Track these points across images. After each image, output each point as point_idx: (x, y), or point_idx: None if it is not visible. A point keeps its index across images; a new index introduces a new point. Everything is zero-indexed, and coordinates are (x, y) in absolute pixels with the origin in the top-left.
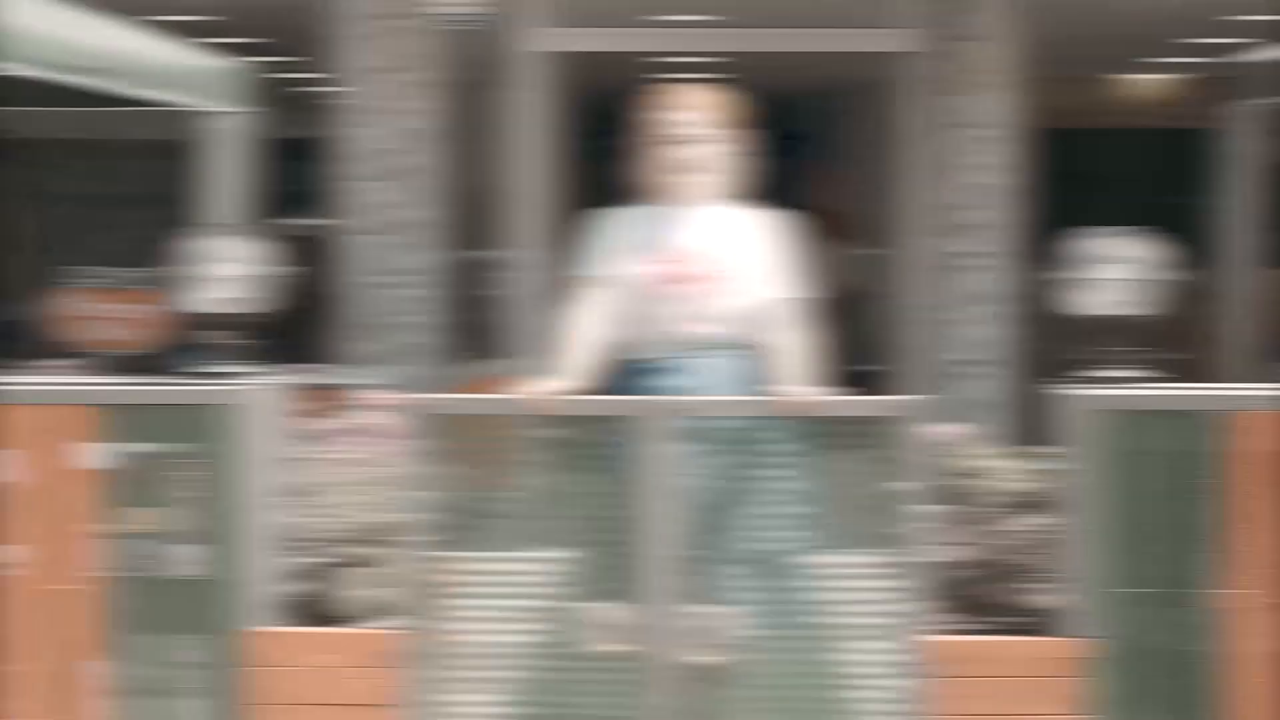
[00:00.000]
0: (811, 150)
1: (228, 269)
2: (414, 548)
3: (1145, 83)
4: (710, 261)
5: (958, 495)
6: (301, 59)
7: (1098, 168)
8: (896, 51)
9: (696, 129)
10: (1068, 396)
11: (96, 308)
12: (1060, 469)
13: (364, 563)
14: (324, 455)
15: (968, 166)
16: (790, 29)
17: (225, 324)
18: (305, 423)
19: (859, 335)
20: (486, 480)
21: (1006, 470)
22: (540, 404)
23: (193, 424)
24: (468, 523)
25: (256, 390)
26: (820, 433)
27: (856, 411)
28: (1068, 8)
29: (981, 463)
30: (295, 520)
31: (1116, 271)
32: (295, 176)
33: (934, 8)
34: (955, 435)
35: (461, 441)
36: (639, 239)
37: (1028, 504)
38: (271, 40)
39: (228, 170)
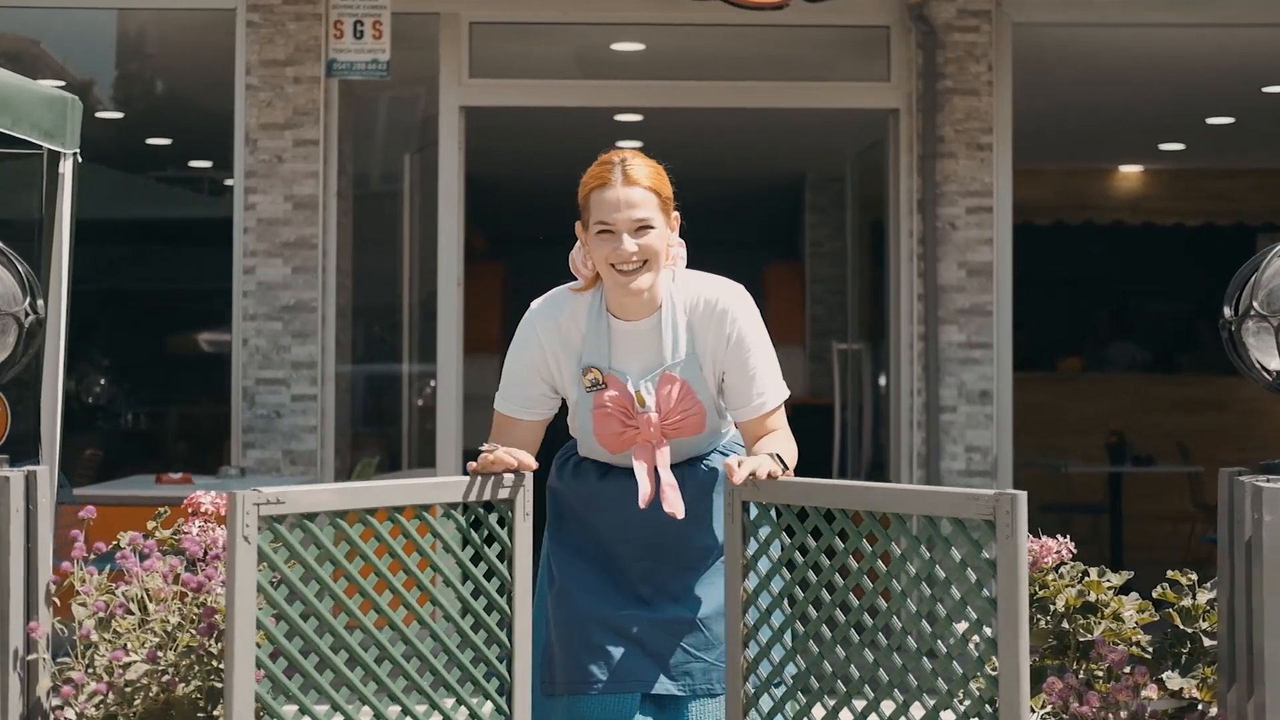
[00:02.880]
0: (776, 244)
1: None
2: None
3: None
4: (667, 413)
5: (1063, 640)
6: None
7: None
8: (877, 109)
9: (644, 211)
10: (1261, 489)
11: None
12: (1228, 603)
13: None
14: (119, 586)
15: (962, 243)
16: (758, 81)
17: None
18: (103, 538)
19: (837, 445)
20: (344, 608)
21: (1131, 607)
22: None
23: None
24: (316, 666)
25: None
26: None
27: (931, 508)
28: (1069, 60)
29: (1094, 594)
30: (75, 675)
31: None
32: (171, 257)
33: (924, 58)
34: (1054, 553)
35: (313, 553)
36: (575, 363)
37: (1171, 655)
38: (149, 95)
39: (65, 223)
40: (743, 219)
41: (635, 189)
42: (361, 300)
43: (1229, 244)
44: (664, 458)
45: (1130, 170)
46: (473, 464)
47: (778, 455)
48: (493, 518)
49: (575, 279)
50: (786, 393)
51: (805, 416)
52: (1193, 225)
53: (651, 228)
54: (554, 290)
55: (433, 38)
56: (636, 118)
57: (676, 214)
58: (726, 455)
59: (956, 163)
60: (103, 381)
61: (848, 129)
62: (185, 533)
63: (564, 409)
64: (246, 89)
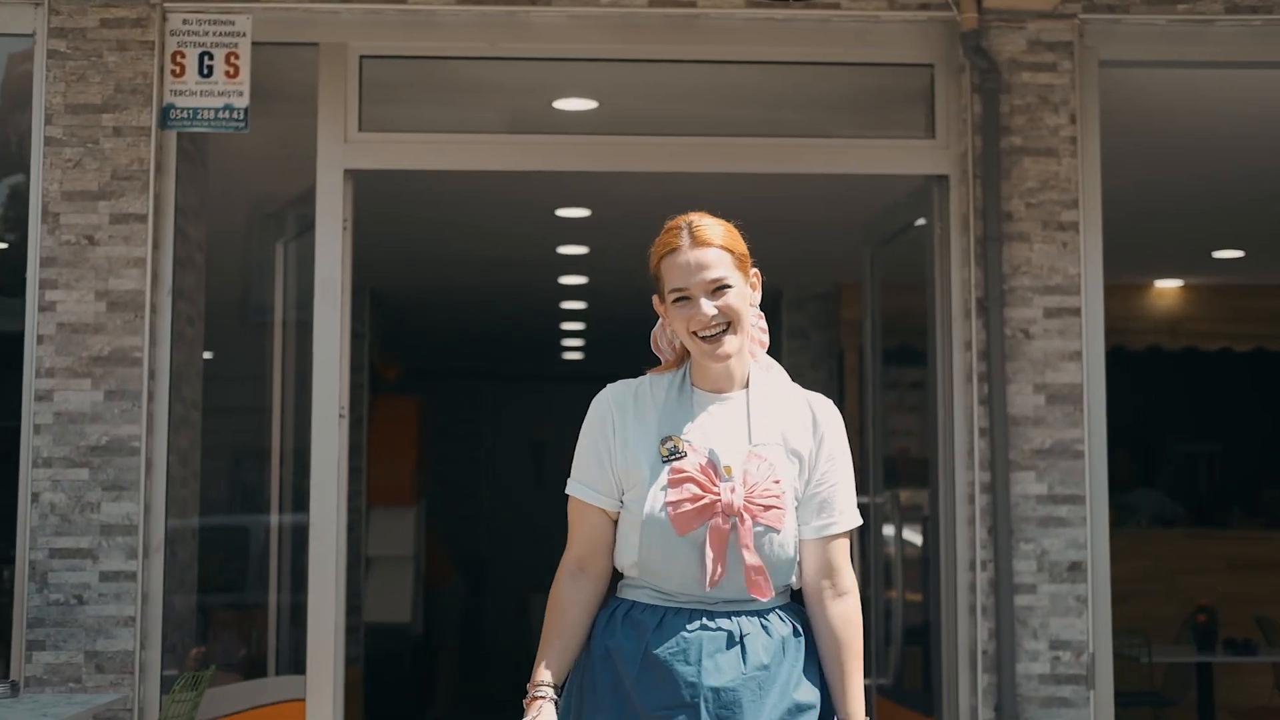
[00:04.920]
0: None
1: None
2: None
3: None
4: (755, 486)
5: None
6: None
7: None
8: (914, 175)
9: (719, 271)
10: None
11: None
12: None
13: None
14: None
15: (1040, 358)
16: (749, 139)
17: None
18: None
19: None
20: None
21: None
22: None
23: None
24: None
25: None
26: None
27: None
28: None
29: None
30: None
31: None
32: None
33: (984, 106)
34: None
35: None
36: (653, 438)
37: None
38: None
39: None
40: None
41: (707, 250)
42: (213, 439)
43: None
44: (746, 534)
45: (1168, 286)
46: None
47: None
48: None
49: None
50: (859, 520)
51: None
52: (1242, 350)
53: (729, 287)
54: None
55: (309, 77)
56: (583, 213)
57: (756, 271)
58: (785, 622)
59: (1029, 248)
60: None
61: (856, 221)
62: None
63: None
64: (46, 143)
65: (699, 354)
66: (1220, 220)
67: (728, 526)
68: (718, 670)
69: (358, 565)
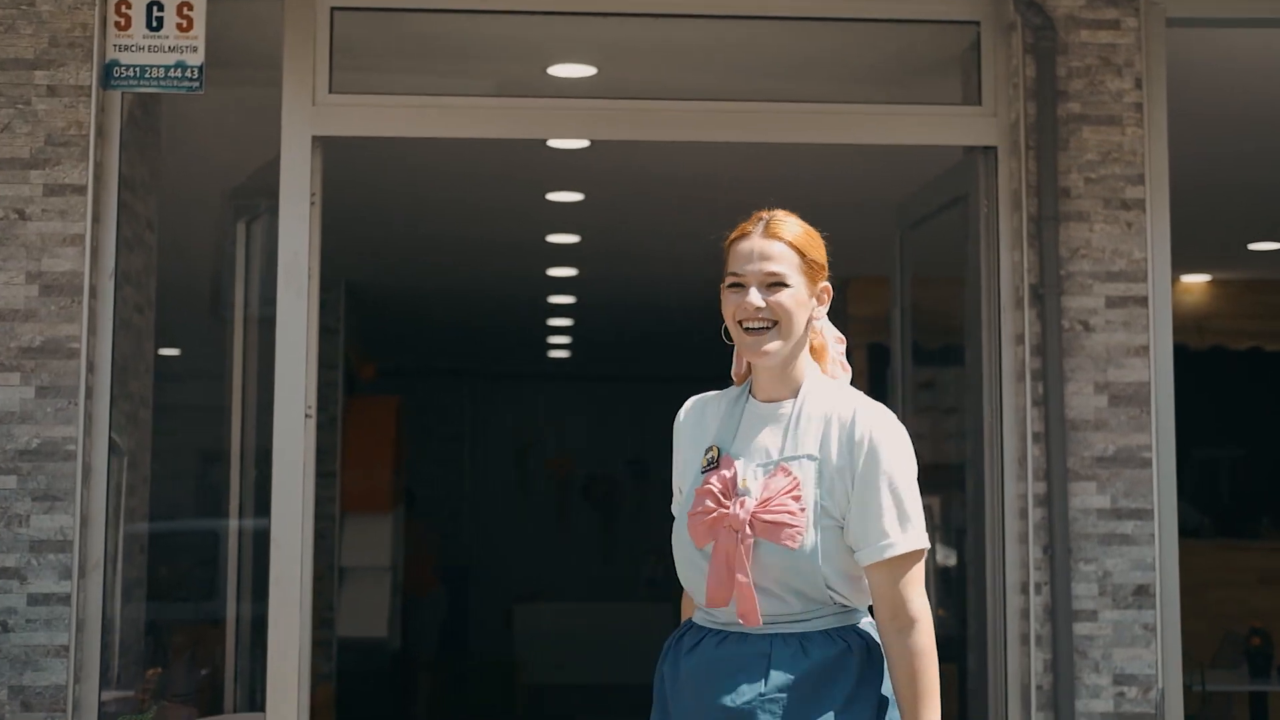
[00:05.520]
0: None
1: None
2: None
3: None
4: (769, 500)
5: None
6: None
7: None
8: (956, 146)
9: (779, 266)
10: None
11: None
12: None
13: None
14: None
15: (1102, 353)
16: (766, 104)
17: None
18: None
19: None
20: None
21: None
22: None
23: None
24: None
25: None
26: None
27: None
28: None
29: None
30: None
31: None
32: None
33: (1038, 68)
34: None
35: None
36: (699, 450)
37: None
38: None
39: None
40: (689, 348)
41: (775, 242)
42: (166, 440)
43: None
44: (746, 550)
45: (1195, 281)
46: None
47: None
48: None
49: None
50: (924, 543)
51: None
52: (1272, 350)
53: (785, 285)
54: None
55: (273, 32)
56: (575, 197)
57: (827, 285)
58: (834, 641)
59: (1089, 229)
60: None
61: (872, 205)
62: None
63: None
64: None
65: (741, 346)
66: (1266, 207)
67: (731, 543)
68: (735, 692)
69: (330, 576)
